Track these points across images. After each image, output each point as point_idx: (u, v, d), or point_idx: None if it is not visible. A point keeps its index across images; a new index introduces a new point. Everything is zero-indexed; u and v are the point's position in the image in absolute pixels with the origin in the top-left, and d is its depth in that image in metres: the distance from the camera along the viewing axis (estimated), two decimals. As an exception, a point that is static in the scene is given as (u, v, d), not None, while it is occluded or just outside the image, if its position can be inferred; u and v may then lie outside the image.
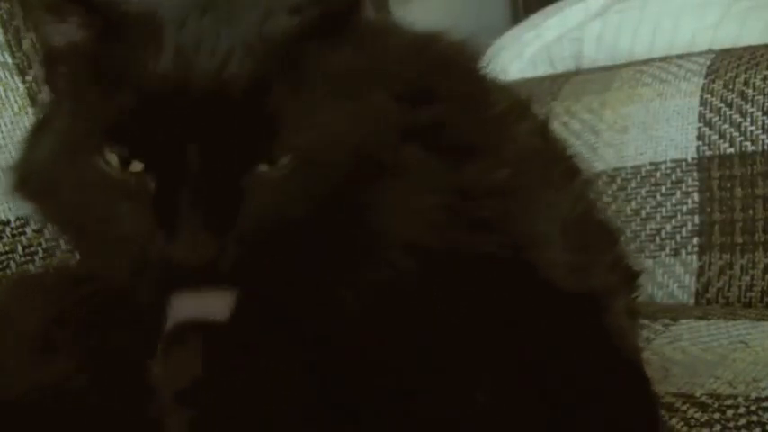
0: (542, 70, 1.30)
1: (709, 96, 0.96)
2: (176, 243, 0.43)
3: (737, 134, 0.93)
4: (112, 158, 0.44)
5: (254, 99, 0.44)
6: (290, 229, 0.45)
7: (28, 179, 0.50)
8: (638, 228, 0.97)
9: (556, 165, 0.58)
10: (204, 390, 0.44)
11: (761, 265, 0.91)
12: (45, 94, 0.54)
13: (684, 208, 0.95)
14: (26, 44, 0.74)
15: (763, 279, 0.91)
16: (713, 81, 0.97)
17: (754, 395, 0.56)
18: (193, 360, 0.44)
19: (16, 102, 0.73)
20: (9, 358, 0.49)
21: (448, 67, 0.54)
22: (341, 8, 0.46)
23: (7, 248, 0.70)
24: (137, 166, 0.44)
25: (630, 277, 0.63)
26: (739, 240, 0.92)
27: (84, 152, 0.45)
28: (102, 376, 0.47)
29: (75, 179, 0.46)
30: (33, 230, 0.72)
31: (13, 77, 0.73)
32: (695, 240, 0.94)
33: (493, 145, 0.52)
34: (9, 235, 0.71)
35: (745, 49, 1.03)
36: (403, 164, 0.47)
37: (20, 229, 0.71)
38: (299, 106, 0.44)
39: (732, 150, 0.93)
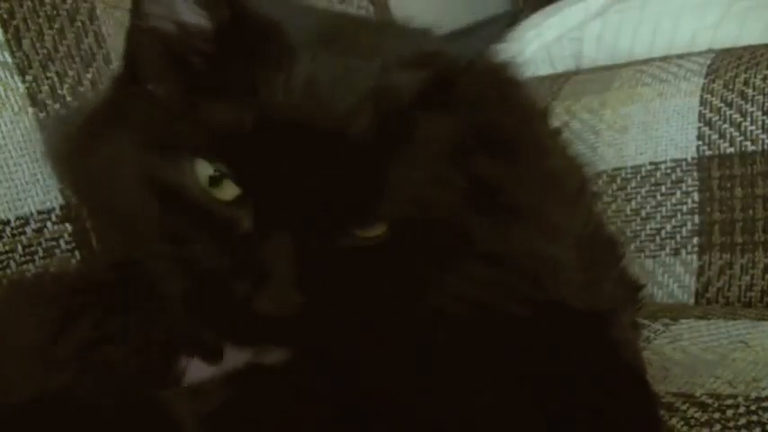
0: (542, 70, 1.30)
1: (709, 96, 0.96)
2: (262, 293, 0.40)
3: (737, 134, 0.93)
4: (202, 172, 0.41)
5: (372, 156, 0.41)
6: (364, 298, 0.43)
7: (81, 163, 0.47)
8: (638, 227, 0.97)
9: (571, 179, 0.58)
10: (230, 415, 0.43)
11: (761, 265, 0.91)
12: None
13: (684, 208, 0.95)
14: (26, 44, 0.74)
15: (763, 279, 0.91)
16: (713, 81, 0.97)
17: (754, 395, 0.56)
18: (219, 384, 0.43)
19: (16, 102, 0.73)
20: (7, 369, 0.48)
21: (526, 122, 0.53)
22: (451, 71, 0.44)
23: (7, 248, 0.70)
24: (229, 193, 0.41)
25: (635, 290, 0.63)
26: (739, 240, 0.92)
27: (169, 152, 0.42)
28: (101, 387, 0.46)
29: (142, 177, 0.43)
30: (33, 230, 0.72)
31: (13, 77, 0.73)
32: (695, 240, 0.94)
33: (542, 211, 0.50)
34: (9, 235, 0.71)
35: (745, 48, 1.03)
36: (467, 236, 0.45)
37: (20, 229, 0.71)
38: (405, 173, 0.42)
39: (732, 150, 0.93)
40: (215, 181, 0.41)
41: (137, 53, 0.46)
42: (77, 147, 0.48)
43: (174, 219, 0.42)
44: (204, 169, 0.41)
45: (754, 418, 0.53)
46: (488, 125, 0.47)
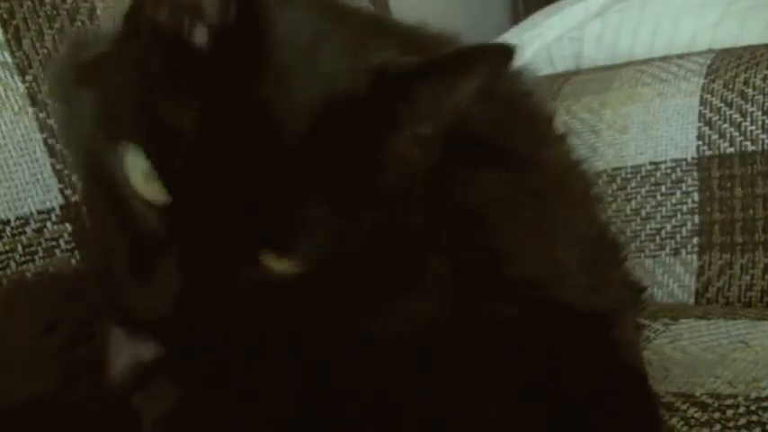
0: (542, 70, 1.30)
1: (709, 96, 0.96)
2: (139, 292, 0.40)
3: (737, 134, 0.93)
4: (137, 165, 0.40)
5: (299, 182, 0.39)
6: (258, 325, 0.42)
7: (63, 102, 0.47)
8: (638, 227, 0.97)
9: (576, 183, 0.56)
10: (180, 419, 0.43)
11: (761, 265, 0.91)
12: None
13: (684, 207, 0.95)
14: (26, 43, 0.74)
15: (763, 279, 0.91)
16: (713, 81, 0.97)
17: (754, 395, 0.56)
18: (170, 389, 0.43)
19: (16, 101, 0.73)
20: (5, 370, 0.48)
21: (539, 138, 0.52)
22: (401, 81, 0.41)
23: (7, 248, 0.70)
24: (154, 193, 0.40)
25: (637, 292, 0.63)
26: (739, 240, 0.92)
27: (115, 132, 0.41)
28: (91, 390, 0.46)
29: (89, 150, 0.42)
30: (33, 230, 0.72)
31: (12, 77, 0.73)
32: (695, 240, 0.94)
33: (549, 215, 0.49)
34: (9, 234, 0.70)
35: (745, 48, 1.03)
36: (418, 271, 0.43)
37: (20, 229, 0.71)
38: (334, 211, 0.40)
39: (732, 150, 0.93)
40: (147, 177, 0.40)
41: (137, 21, 0.44)
42: (70, 81, 0.46)
43: (103, 200, 0.42)
44: (139, 162, 0.40)
45: (754, 418, 0.53)
46: (487, 132, 0.46)
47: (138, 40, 0.43)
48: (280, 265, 0.41)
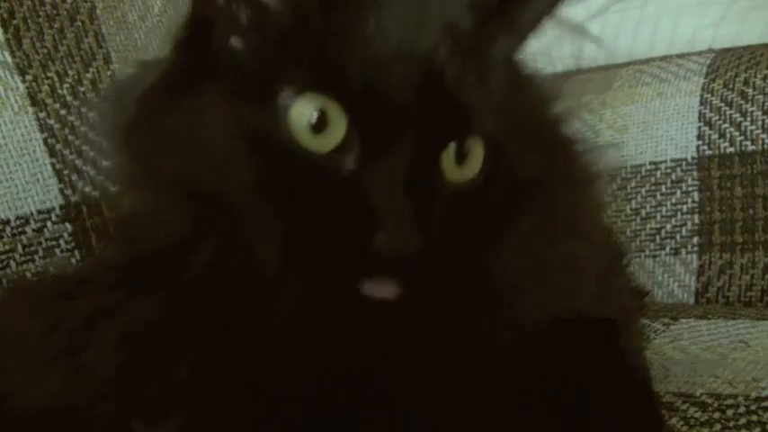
0: (543, 70, 1.30)
1: (709, 96, 0.95)
2: (385, 234, 0.40)
3: (737, 133, 0.93)
4: (302, 119, 0.41)
5: (456, 87, 0.43)
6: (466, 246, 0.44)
7: (151, 130, 0.45)
8: (638, 227, 0.97)
9: (596, 192, 0.58)
10: None
11: (761, 265, 0.91)
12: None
13: (684, 207, 0.95)
14: (26, 43, 0.74)
15: (763, 278, 0.91)
16: (713, 80, 0.97)
17: (754, 395, 0.56)
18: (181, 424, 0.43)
19: (16, 101, 0.73)
20: (7, 375, 0.48)
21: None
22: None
23: (7, 248, 0.70)
24: (333, 137, 0.41)
25: (640, 298, 0.63)
26: (739, 240, 0.92)
27: (264, 99, 0.41)
28: (91, 396, 0.45)
29: (233, 130, 0.42)
30: (33, 230, 0.72)
31: (12, 77, 0.73)
32: (695, 240, 0.94)
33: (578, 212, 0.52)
34: (9, 234, 0.71)
35: (746, 48, 1.03)
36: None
37: (20, 229, 0.71)
38: (485, 93, 0.44)
39: (732, 150, 0.93)
40: (318, 127, 0.41)
41: (210, 14, 0.45)
42: (145, 115, 0.46)
43: (269, 169, 0.42)
44: (305, 115, 0.41)
45: (755, 417, 0.53)
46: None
47: (233, 23, 0.44)
48: (469, 168, 0.44)
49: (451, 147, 0.43)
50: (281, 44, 0.42)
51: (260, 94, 0.41)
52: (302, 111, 0.41)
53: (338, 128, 0.41)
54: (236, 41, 0.45)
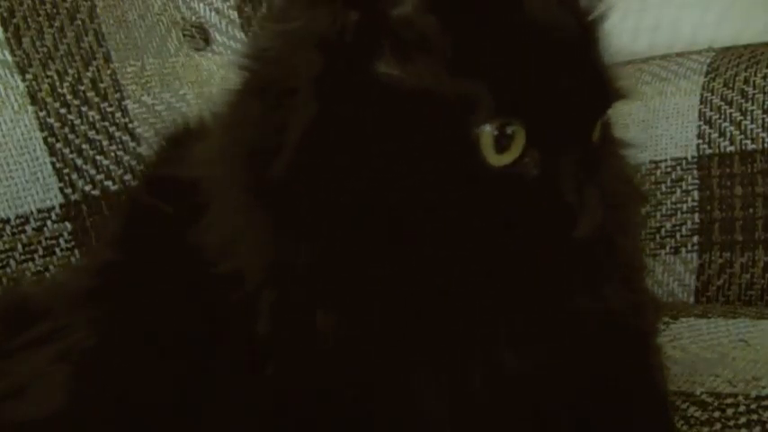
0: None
1: (709, 94, 0.95)
2: (584, 222, 0.42)
3: (738, 132, 0.93)
4: (486, 141, 0.41)
5: (602, 65, 0.46)
6: None
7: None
8: (639, 226, 0.97)
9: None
10: None
11: (761, 264, 0.91)
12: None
13: (684, 206, 0.95)
14: (26, 42, 0.74)
15: (764, 277, 0.91)
16: (714, 79, 0.96)
17: (754, 394, 0.56)
18: None
19: (16, 100, 0.73)
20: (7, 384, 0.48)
21: None
22: None
23: (7, 247, 0.70)
24: (515, 149, 0.42)
25: (658, 311, 0.63)
26: (739, 239, 0.92)
27: (449, 130, 0.41)
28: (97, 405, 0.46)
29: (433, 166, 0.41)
30: (33, 229, 0.72)
31: (13, 76, 0.73)
32: (695, 238, 0.94)
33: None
34: (9, 233, 0.71)
35: (746, 47, 1.02)
36: None
37: (20, 228, 0.71)
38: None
39: (732, 148, 0.93)
40: (502, 144, 0.41)
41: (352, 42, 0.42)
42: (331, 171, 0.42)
43: (473, 197, 0.42)
44: (491, 137, 0.41)
45: (755, 416, 0.53)
46: None
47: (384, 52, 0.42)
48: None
49: (599, 124, 0.46)
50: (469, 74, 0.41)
51: (453, 125, 0.41)
52: (490, 134, 0.41)
53: (519, 142, 0.42)
54: (388, 69, 0.42)
